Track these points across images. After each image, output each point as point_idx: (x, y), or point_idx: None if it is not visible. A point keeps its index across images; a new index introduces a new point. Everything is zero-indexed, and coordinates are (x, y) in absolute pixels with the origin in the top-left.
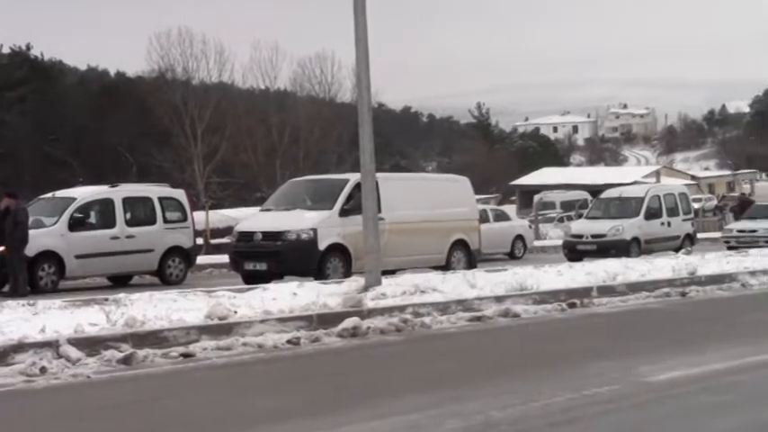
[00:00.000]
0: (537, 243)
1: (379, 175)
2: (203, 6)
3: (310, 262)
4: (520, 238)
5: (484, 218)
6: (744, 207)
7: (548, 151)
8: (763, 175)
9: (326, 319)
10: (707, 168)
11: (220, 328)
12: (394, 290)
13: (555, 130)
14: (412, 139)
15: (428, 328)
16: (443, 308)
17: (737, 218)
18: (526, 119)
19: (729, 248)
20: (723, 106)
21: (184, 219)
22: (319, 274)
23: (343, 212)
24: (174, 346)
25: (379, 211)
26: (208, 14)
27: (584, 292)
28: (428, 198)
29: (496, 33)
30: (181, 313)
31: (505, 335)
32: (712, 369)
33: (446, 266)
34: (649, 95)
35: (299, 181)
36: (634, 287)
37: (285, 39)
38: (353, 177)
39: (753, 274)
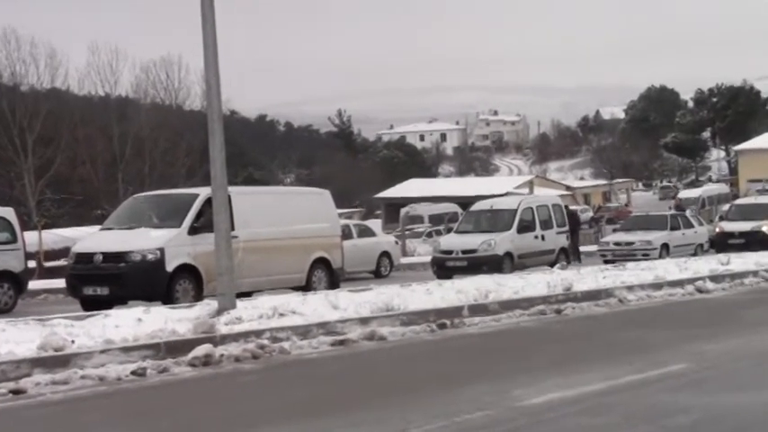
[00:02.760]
0: (404, 260)
1: (231, 188)
2: (32, 6)
3: (157, 285)
4: (386, 254)
5: (347, 234)
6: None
7: (414, 161)
8: (640, 185)
9: (176, 347)
10: (582, 178)
11: (56, 361)
12: (250, 313)
13: (422, 138)
14: (268, 150)
15: (287, 353)
16: (304, 332)
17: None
18: (391, 127)
19: (606, 262)
20: (597, 112)
21: (14, 240)
22: (167, 298)
23: (193, 230)
24: (2, 382)
25: (233, 228)
26: (37, 15)
27: (454, 312)
28: (286, 213)
29: (357, 35)
30: (10, 345)
31: (371, 359)
32: (589, 390)
33: (306, 287)
34: (521, 101)
35: (143, 196)
36: (507, 305)
37: (127, 42)
38: (204, 192)
39: (630, 288)
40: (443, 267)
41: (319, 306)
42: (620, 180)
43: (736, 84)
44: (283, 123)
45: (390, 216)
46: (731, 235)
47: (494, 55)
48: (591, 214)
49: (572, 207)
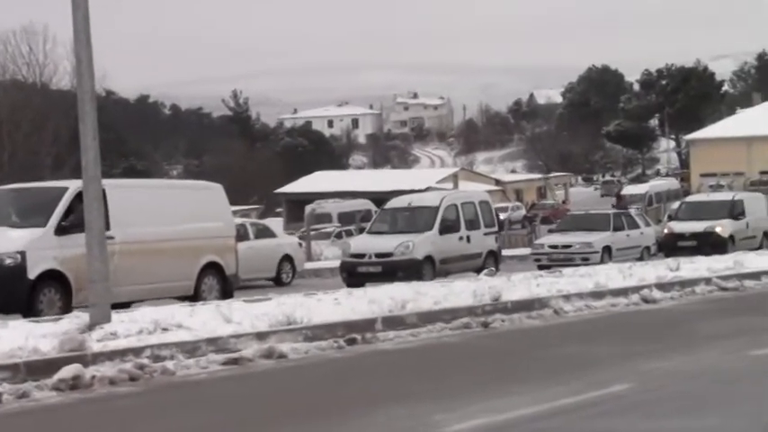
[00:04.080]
0: (309, 265)
1: (107, 182)
2: None
3: (16, 294)
4: (288, 259)
5: (242, 234)
6: None
7: (322, 151)
8: (579, 179)
9: (38, 368)
10: (514, 171)
11: None
12: (128, 328)
13: (330, 124)
14: (151, 137)
15: (171, 374)
16: (191, 349)
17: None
18: (294, 111)
19: (540, 267)
20: (531, 96)
21: None
22: (29, 310)
23: (61, 230)
24: None
25: (108, 227)
26: None
27: (366, 325)
28: (171, 210)
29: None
30: None
31: (269, 380)
32: (519, 415)
33: (195, 296)
34: (444, 82)
35: (1, 190)
36: (427, 317)
37: None
38: (74, 185)
39: (567, 298)
40: (354, 274)
41: (209, 319)
42: (557, 174)
43: (687, 64)
44: (169, 106)
45: (293, 214)
46: (681, 237)
47: (412, 29)
48: (523, 213)
49: (503, 204)
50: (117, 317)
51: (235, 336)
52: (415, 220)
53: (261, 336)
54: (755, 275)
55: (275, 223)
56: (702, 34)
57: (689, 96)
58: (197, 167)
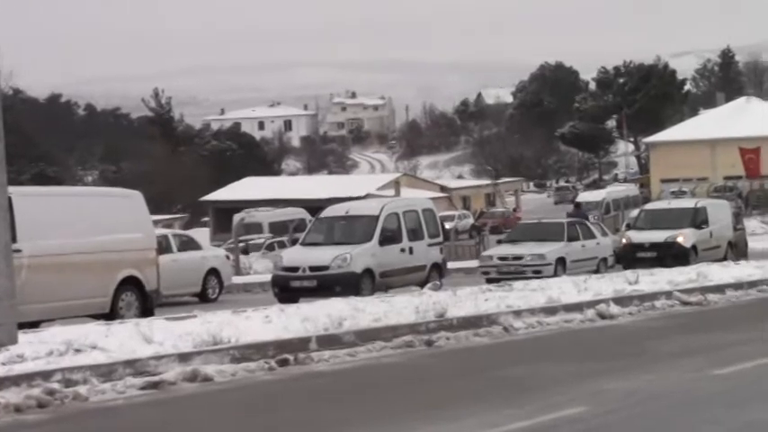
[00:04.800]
0: (237, 279)
1: (13, 189)
2: None
3: None
4: (214, 273)
5: (164, 247)
6: None
7: (252, 155)
8: (531, 185)
9: None
10: (460, 176)
11: None
12: (36, 349)
13: (261, 126)
14: (64, 140)
15: (84, 400)
16: (107, 372)
17: None
18: (222, 111)
19: (489, 281)
20: (479, 95)
21: None
22: None
23: None
24: None
25: (14, 239)
26: None
27: (300, 345)
28: (86, 221)
29: None
30: None
31: (192, 406)
32: None
33: (111, 314)
34: (385, 81)
35: None
36: (366, 336)
37: None
38: None
39: (518, 314)
40: (287, 289)
41: (128, 339)
42: (507, 179)
43: (647, 62)
44: (83, 106)
45: (221, 224)
46: (640, 247)
47: (349, 22)
48: (471, 221)
49: (448, 212)
50: (24, 338)
51: (155, 357)
52: (353, 230)
53: (184, 357)
54: (720, 289)
55: (201, 234)
56: (663, 30)
57: (649, 96)
58: (114, 173)
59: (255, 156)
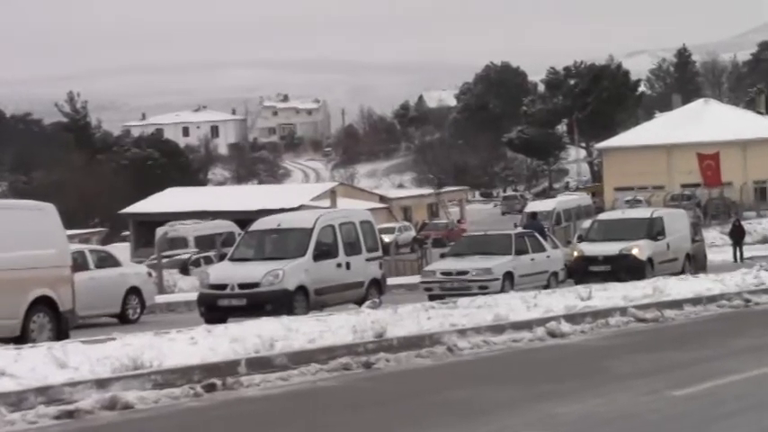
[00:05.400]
0: (160, 298)
1: None
2: None
3: None
4: (135, 291)
5: (80, 263)
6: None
7: (175, 164)
8: (477, 194)
9: None
10: (401, 185)
11: None
12: None
13: (185, 132)
14: None
15: None
16: (16, 401)
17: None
18: (143, 117)
19: (432, 298)
20: (421, 99)
21: None
22: None
23: None
24: None
25: None
26: None
27: (228, 368)
28: None
29: None
30: None
31: None
32: None
33: (22, 337)
34: (319, 83)
35: None
36: (300, 358)
37: None
38: None
39: (462, 333)
40: (214, 308)
41: (40, 364)
42: (452, 188)
43: (598, 62)
44: None
45: (142, 238)
46: (593, 260)
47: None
48: (412, 234)
49: (388, 224)
50: None
51: (70, 384)
52: (286, 244)
53: (102, 383)
54: (677, 304)
55: (121, 249)
56: (616, 28)
57: (601, 99)
58: (25, 184)
59: (180, 164)
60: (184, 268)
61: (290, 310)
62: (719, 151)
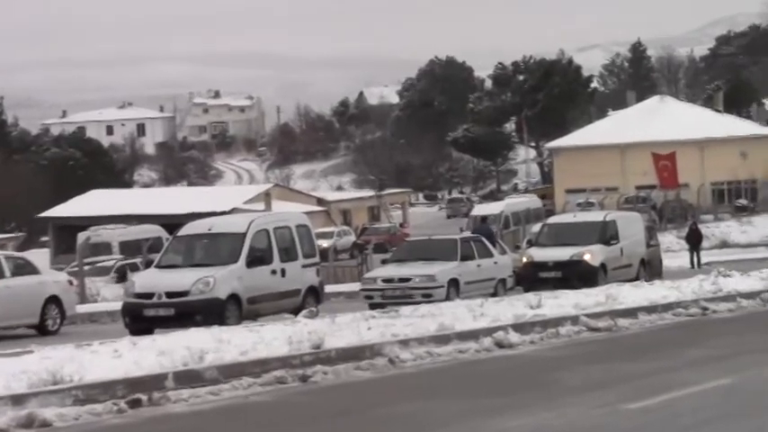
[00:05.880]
0: (82, 308)
1: None
2: None
3: None
4: (55, 300)
5: None
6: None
7: (99, 164)
8: (420, 197)
9: None
10: (340, 187)
11: None
12: None
13: (109, 131)
14: None
15: None
16: None
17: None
18: (63, 114)
19: (372, 306)
20: (361, 95)
21: None
22: None
23: None
24: None
25: None
26: None
27: (154, 382)
28: None
29: None
30: None
31: None
32: None
33: None
34: (252, 78)
35: None
36: (232, 371)
37: None
38: None
39: (405, 344)
40: (140, 318)
41: None
42: (394, 191)
43: (549, 56)
44: None
45: (63, 244)
46: (543, 266)
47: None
48: (352, 239)
49: (326, 228)
50: None
51: None
52: (217, 249)
53: (18, 399)
54: (631, 312)
55: (39, 256)
56: (567, 21)
57: (551, 95)
58: None
59: (103, 165)
60: (122, 274)
61: (221, 321)
62: (676, 151)
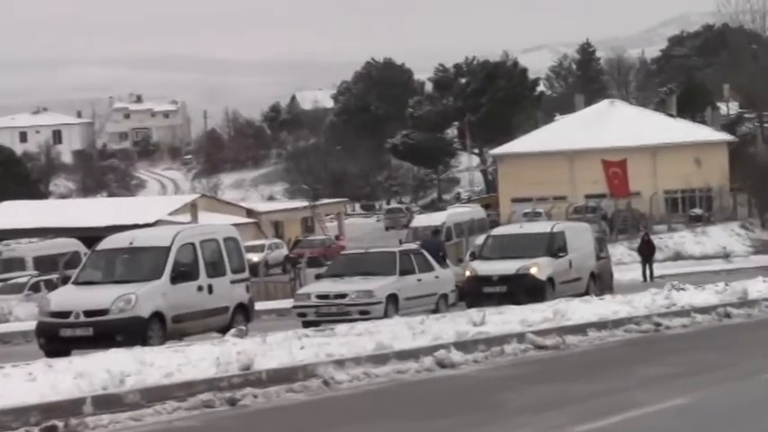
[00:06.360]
0: None
1: None
2: None
3: None
4: None
5: None
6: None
7: (11, 173)
8: (357, 207)
9: None
10: (271, 197)
11: None
12: None
13: (23, 138)
14: None
15: None
16: None
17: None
18: None
19: (306, 324)
20: (293, 100)
21: None
22: None
23: None
24: None
25: None
26: None
27: (71, 408)
28: None
29: None
30: None
31: None
32: None
33: None
34: (177, 82)
35: None
36: (155, 395)
37: None
38: None
39: (340, 364)
40: (56, 339)
41: None
42: (329, 201)
43: (492, 58)
44: None
45: None
46: (487, 281)
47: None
48: (284, 252)
49: (257, 241)
50: None
51: None
52: (139, 265)
53: None
54: (580, 329)
55: None
56: (511, 20)
57: (495, 99)
58: None
59: (16, 174)
60: (37, 291)
61: (143, 341)
62: (627, 158)
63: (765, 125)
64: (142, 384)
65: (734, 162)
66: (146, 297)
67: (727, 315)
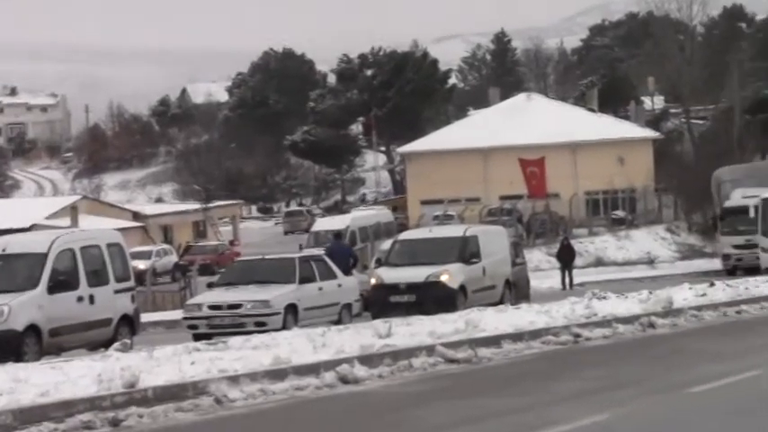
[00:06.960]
0: None
1: None
2: None
3: None
4: None
5: None
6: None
7: None
8: (253, 210)
9: None
10: (160, 199)
11: None
12: None
13: None
14: None
15: None
16: None
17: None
18: None
19: (197, 338)
20: (184, 92)
21: None
22: None
23: None
24: None
25: None
26: None
27: None
28: None
29: None
30: None
31: None
32: None
33: None
34: (55, 73)
35: None
36: (29, 416)
37: None
38: None
39: (234, 380)
40: None
41: None
42: (222, 203)
43: (401, 48)
44: None
45: None
46: (394, 289)
47: None
48: (174, 259)
49: (144, 247)
50: None
51: None
52: (13, 273)
53: None
54: (494, 341)
55: None
56: (421, 8)
57: (403, 93)
58: None
59: None
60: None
61: (17, 356)
62: (545, 156)
63: (692, 121)
64: (15, 404)
65: (659, 161)
66: (20, 308)
67: (651, 325)
